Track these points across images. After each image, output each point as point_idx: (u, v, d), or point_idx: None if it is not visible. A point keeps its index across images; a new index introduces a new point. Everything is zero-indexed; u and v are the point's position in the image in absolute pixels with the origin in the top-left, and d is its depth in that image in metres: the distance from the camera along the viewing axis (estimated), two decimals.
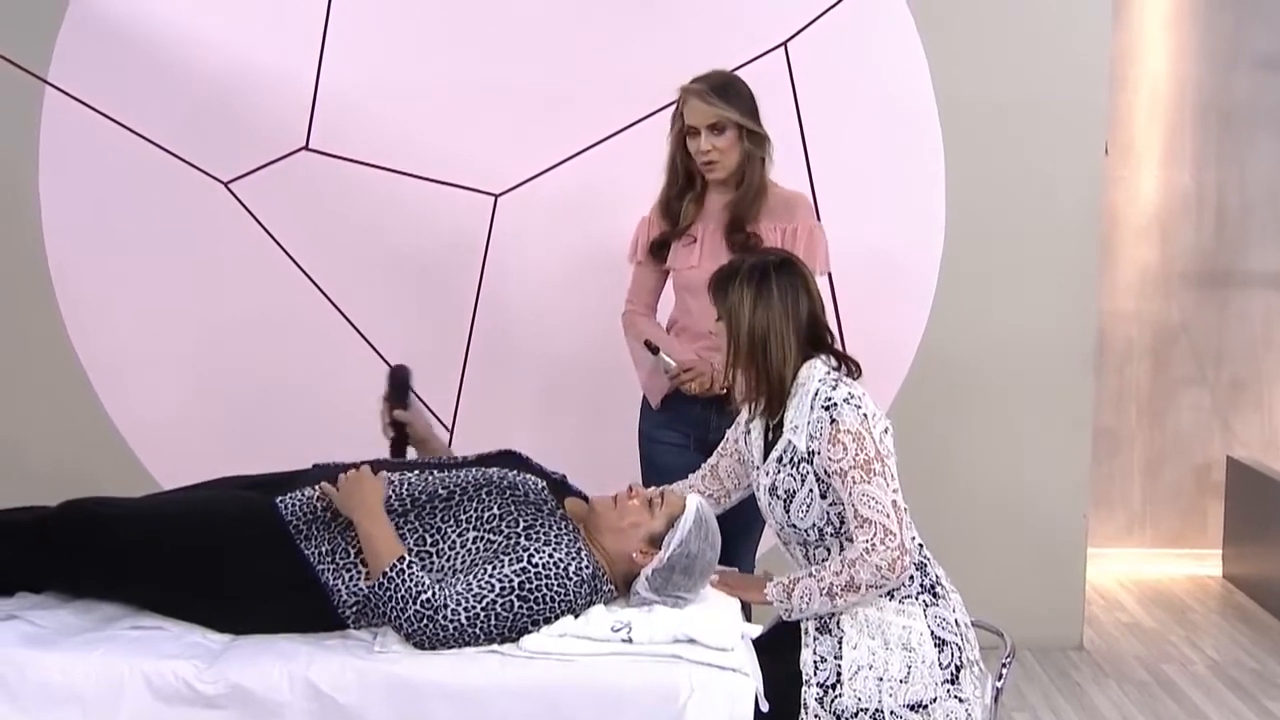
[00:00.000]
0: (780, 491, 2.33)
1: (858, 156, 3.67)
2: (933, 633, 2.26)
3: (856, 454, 2.23)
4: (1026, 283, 3.77)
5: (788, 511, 2.33)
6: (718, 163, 2.84)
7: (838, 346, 2.39)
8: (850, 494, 2.24)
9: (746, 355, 2.32)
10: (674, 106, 2.91)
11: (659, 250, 2.97)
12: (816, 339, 2.36)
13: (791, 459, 2.31)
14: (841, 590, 2.24)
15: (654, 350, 2.86)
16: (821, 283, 2.52)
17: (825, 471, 2.27)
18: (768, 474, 2.36)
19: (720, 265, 2.44)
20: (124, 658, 2.08)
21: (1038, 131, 3.72)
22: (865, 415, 2.26)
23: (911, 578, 2.29)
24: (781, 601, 2.30)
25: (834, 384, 2.30)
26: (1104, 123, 3.78)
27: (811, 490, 2.30)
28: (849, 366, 2.37)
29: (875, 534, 2.22)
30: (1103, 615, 4.18)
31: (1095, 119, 3.74)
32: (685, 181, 2.91)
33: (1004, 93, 3.70)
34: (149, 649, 2.12)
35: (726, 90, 2.83)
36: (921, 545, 2.35)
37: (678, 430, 2.94)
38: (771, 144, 2.90)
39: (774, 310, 2.31)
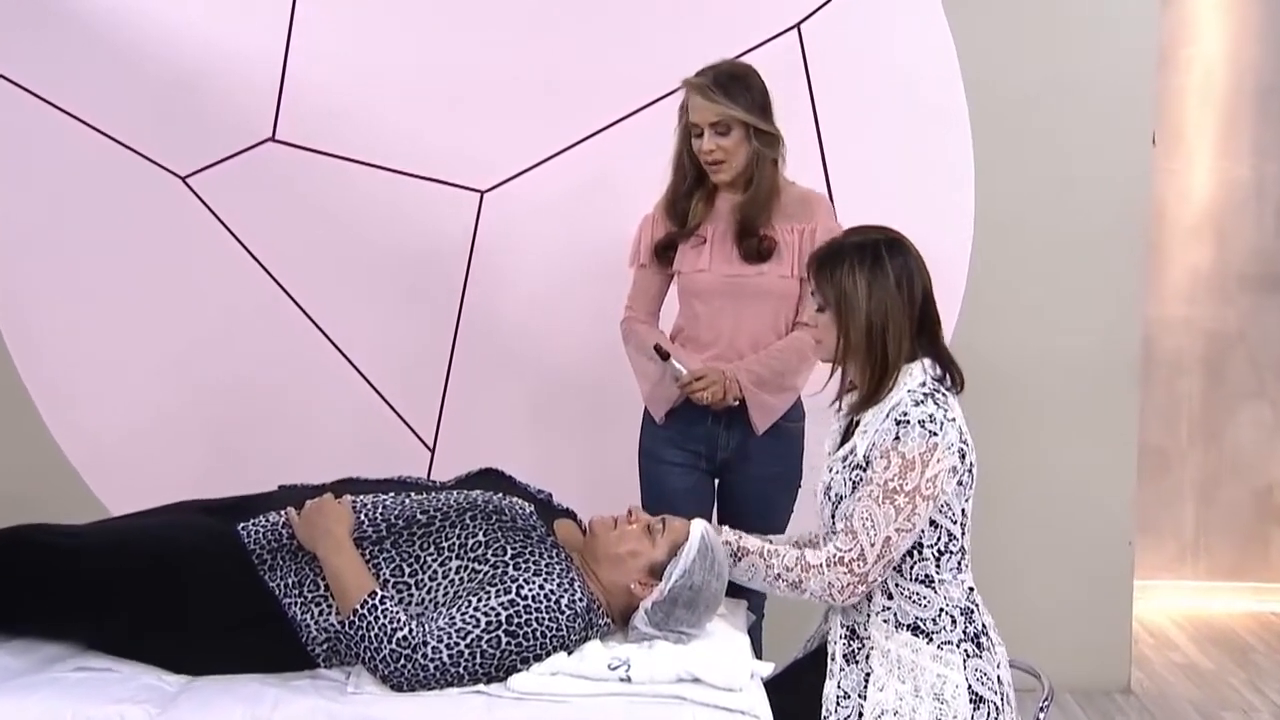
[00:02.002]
0: (832, 494, 2.35)
1: (878, 148, 3.67)
2: (970, 687, 2.27)
3: (893, 477, 2.24)
4: (1065, 287, 3.78)
5: (834, 516, 2.35)
6: (723, 164, 2.86)
7: (946, 342, 2.36)
8: (858, 502, 2.26)
9: (864, 346, 2.30)
10: (681, 97, 2.93)
11: (664, 252, 2.99)
12: (928, 327, 2.34)
13: (851, 464, 2.33)
14: (786, 586, 2.31)
15: (664, 355, 2.88)
16: None
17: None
18: (829, 469, 2.38)
19: (818, 250, 2.40)
20: (68, 702, 2.08)
21: (1077, 120, 3.73)
22: (935, 445, 2.24)
23: (954, 621, 2.30)
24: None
25: (920, 399, 2.27)
26: (1151, 110, 3.79)
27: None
28: (953, 376, 2.35)
29: (850, 552, 2.25)
30: (1152, 655, 4.18)
31: (1141, 106, 3.75)
32: (694, 179, 2.94)
33: (1039, 77, 3.71)
34: (96, 692, 2.11)
35: (732, 85, 2.84)
36: (972, 589, 2.35)
37: (684, 448, 2.96)
38: (784, 143, 2.92)
39: (890, 294, 2.29)
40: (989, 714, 2.27)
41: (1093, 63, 3.71)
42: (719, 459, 2.96)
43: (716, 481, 3.00)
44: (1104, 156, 3.73)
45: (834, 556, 2.26)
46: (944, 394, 2.31)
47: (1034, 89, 3.71)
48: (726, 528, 2.42)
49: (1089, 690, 3.81)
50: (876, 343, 2.29)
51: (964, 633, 2.30)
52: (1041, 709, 2.41)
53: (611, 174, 3.60)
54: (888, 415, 2.28)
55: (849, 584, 2.25)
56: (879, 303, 2.28)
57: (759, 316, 2.91)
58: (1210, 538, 4.79)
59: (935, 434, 2.24)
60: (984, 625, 2.34)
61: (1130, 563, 3.88)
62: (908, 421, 2.25)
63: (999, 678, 2.31)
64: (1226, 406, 4.77)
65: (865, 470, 2.29)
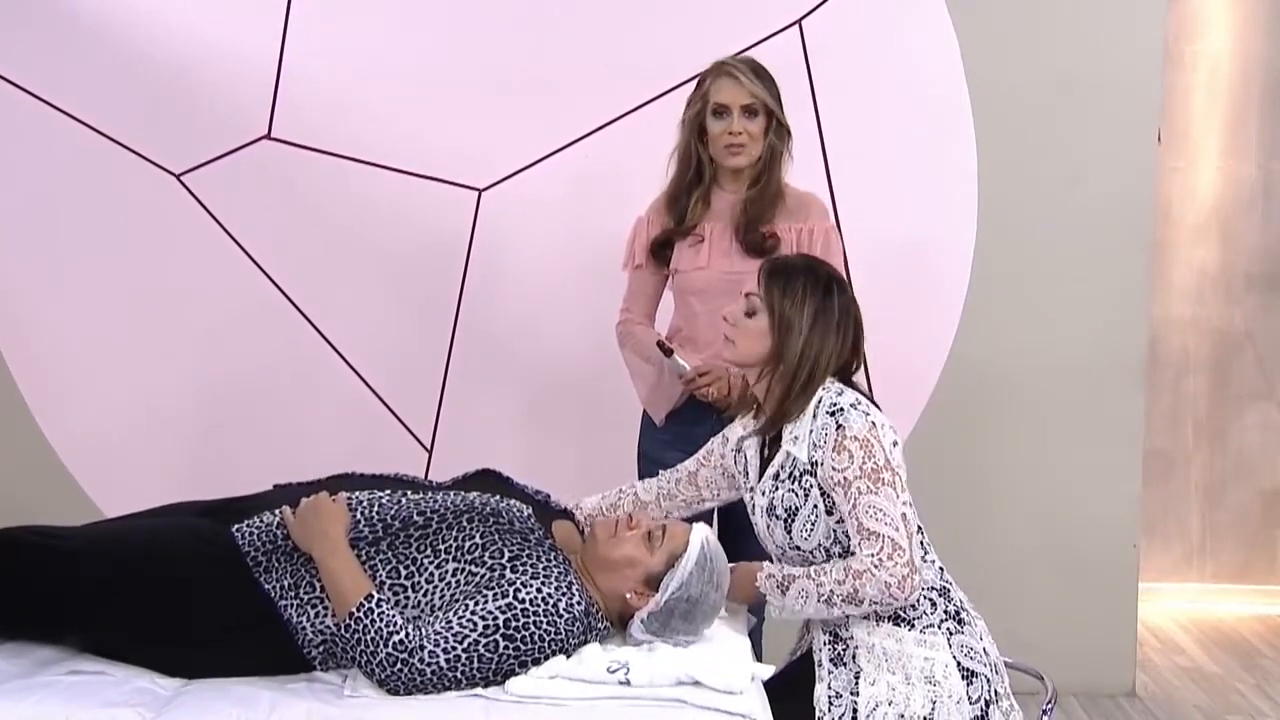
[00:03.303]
0: (780, 510, 2.36)
1: (880, 146, 3.68)
2: (959, 663, 2.30)
3: (864, 462, 2.27)
4: (1068, 286, 3.78)
5: (789, 532, 2.36)
6: (744, 148, 2.90)
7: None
8: (854, 506, 2.27)
9: (785, 371, 2.35)
10: (691, 86, 2.96)
11: (660, 250, 3.00)
12: (847, 372, 2.43)
13: (792, 473, 2.35)
14: (842, 601, 2.28)
15: (668, 351, 2.89)
16: None
17: (829, 483, 2.30)
18: (764, 493, 2.39)
19: (772, 256, 2.45)
20: (60, 706, 2.07)
21: (1081, 117, 3.73)
22: (874, 423, 2.30)
23: (933, 604, 2.33)
24: (774, 599, 2.35)
25: (839, 391, 2.35)
26: (1157, 107, 3.79)
27: (816, 506, 2.33)
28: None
29: (882, 548, 2.25)
30: (1158, 658, 4.19)
31: (1147, 102, 3.75)
32: (695, 174, 2.96)
33: (1043, 74, 3.72)
34: (89, 696, 2.11)
35: (762, 73, 2.93)
36: (942, 569, 2.38)
37: (683, 450, 2.94)
38: (792, 140, 2.96)
39: (830, 335, 2.35)
40: (981, 687, 2.29)
41: (1098, 59, 3.72)
42: None
43: None
44: (1109, 154, 3.74)
45: (874, 563, 2.25)
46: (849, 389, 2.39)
47: (1038, 86, 3.71)
48: (768, 563, 2.41)
49: (1093, 694, 3.82)
50: (804, 369, 2.34)
51: (945, 612, 2.33)
52: (1045, 712, 2.41)
53: (611, 172, 3.60)
54: (815, 414, 2.33)
55: (904, 576, 2.24)
56: (817, 339, 2.34)
57: None
58: (1216, 540, 4.79)
59: (868, 413, 2.31)
60: (960, 601, 2.37)
61: (1135, 565, 3.88)
62: (841, 409, 2.30)
63: (984, 649, 2.34)
64: (1233, 408, 4.77)
65: (813, 475, 2.31)
